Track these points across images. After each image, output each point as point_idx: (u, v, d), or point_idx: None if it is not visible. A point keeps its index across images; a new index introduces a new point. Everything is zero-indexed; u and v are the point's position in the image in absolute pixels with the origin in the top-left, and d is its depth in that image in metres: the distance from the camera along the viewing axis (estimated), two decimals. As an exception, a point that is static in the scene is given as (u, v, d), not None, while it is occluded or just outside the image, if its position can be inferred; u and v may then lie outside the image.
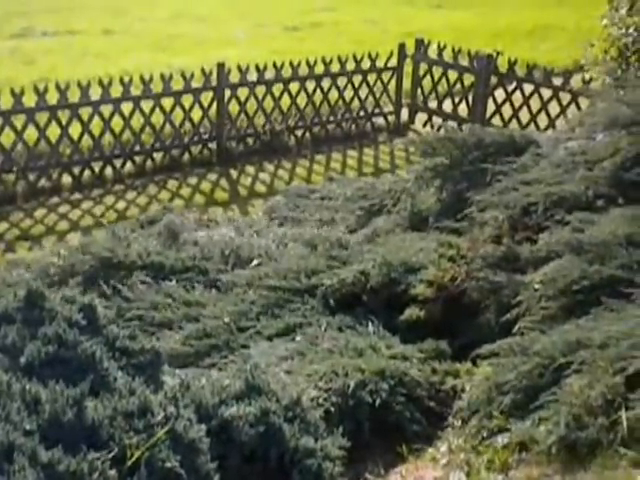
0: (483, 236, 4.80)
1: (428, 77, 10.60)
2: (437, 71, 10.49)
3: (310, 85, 9.91)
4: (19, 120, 8.09)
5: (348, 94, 10.26)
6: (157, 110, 8.90)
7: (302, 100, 9.91)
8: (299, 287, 4.86)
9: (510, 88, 9.66)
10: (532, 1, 18.81)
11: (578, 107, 8.69)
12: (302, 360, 4.12)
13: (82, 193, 8.38)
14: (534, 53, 12.82)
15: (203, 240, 5.70)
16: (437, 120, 10.33)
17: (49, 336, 2.95)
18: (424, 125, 10.60)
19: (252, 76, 9.50)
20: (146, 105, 8.84)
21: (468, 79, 10.13)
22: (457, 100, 10.29)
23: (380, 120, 10.71)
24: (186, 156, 9.24)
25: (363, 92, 10.38)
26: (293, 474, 3.08)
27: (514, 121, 9.62)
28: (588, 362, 3.29)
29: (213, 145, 9.39)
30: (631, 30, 7.55)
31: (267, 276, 5.01)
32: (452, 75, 10.35)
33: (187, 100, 9.12)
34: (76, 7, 17.53)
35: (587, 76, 8.29)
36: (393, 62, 10.53)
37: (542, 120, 9.32)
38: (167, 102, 8.98)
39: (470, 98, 10.08)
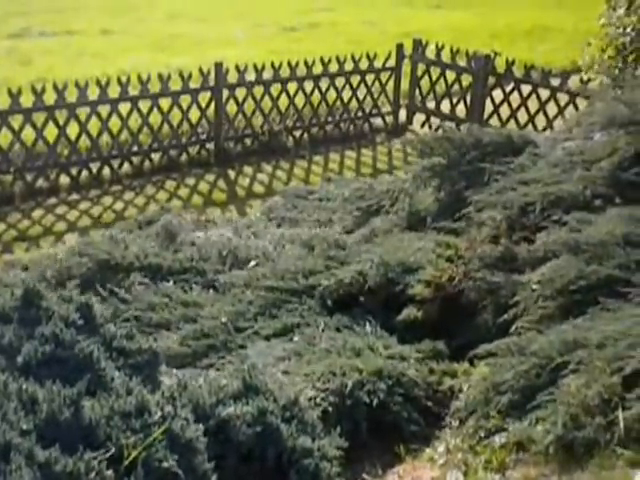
0: (481, 236, 4.80)
1: (426, 77, 10.61)
2: (435, 71, 10.50)
3: (308, 85, 9.91)
4: (16, 120, 8.08)
5: (346, 94, 10.26)
6: (155, 110, 8.90)
7: (300, 100, 9.91)
8: (297, 287, 4.86)
9: (508, 89, 9.67)
10: (530, 2, 18.84)
11: (576, 107, 8.70)
12: (300, 360, 4.12)
13: (80, 194, 8.38)
14: (532, 54, 12.84)
15: (201, 241, 5.70)
16: (435, 120, 10.33)
17: (46, 336, 2.94)
18: (422, 125, 10.61)
19: (250, 76, 9.50)
20: (144, 105, 8.84)
21: (466, 79, 10.13)
22: (455, 100, 10.29)
23: (378, 121, 10.72)
24: (184, 156, 9.23)
25: (361, 92, 10.39)
26: (290, 474, 3.08)
27: (512, 121, 9.63)
28: (585, 362, 3.29)
29: (211, 145, 9.38)
30: (629, 29, 7.56)
31: (265, 277, 5.01)
32: (450, 75, 10.36)
33: (185, 100, 9.12)
34: (74, 7, 17.53)
35: (585, 76, 8.29)
36: (391, 62, 10.53)
37: (540, 121, 9.33)
38: (165, 102, 8.97)
39: (468, 98, 10.08)
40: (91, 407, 2.71)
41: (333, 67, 10.06)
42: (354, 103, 10.40)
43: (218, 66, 9.09)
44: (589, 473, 2.89)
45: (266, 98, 9.60)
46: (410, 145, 7.64)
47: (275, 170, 9.28)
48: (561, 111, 9.07)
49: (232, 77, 9.35)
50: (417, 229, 5.61)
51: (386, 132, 10.60)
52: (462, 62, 10.19)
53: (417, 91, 10.74)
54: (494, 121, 9.71)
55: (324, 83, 10.03)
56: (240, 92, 9.43)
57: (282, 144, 9.80)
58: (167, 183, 8.76)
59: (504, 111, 9.73)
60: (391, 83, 10.62)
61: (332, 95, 10.15)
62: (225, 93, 9.25)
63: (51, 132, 8.31)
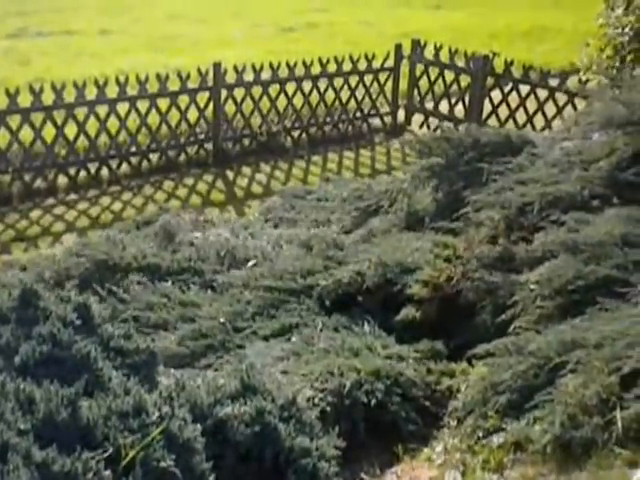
0: (479, 236, 4.80)
1: (425, 78, 10.61)
2: (434, 72, 10.50)
3: (306, 86, 9.90)
4: (14, 120, 8.07)
5: (345, 95, 10.26)
6: (153, 111, 8.89)
7: (298, 101, 9.91)
8: (295, 287, 4.86)
9: (506, 89, 9.68)
10: (529, 3, 18.85)
11: (574, 108, 8.70)
12: (298, 360, 4.12)
13: (78, 194, 8.37)
14: (530, 54, 12.85)
15: (199, 241, 5.70)
16: (434, 121, 10.34)
17: (43, 336, 2.94)
18: (421, 126, 10.61)
19: (248, 76, 9.49)
20: (142, 105, 8.83)
21: (465, 80, 10.13)
22: (454, 101, 10.29)
23: (377, 121, 10.72)
24: (182, 157, 9.23)
25: (360, 93, 10.38)
26: (288, 474, 3.08)
27: (510, 122, 9.63)
28: (583, 362, 3.30)
29: (209, 146, 9.38)
30: (627, 29, 7.57)
31: (263, 277, 5.01)
32: (449, 76, 10.36)
33: (183, 100, 9.11)
34: (72, 7, 17.52)
35: (583, 77, 8.30)
36: (390, 63, 10.53)
37: (539, 121, 9.34)
38: (163, 102, 8.97)
39: (467, 99, 10.09)
40: (89, 407, 2.71)
41: (331, 67, 10.06)
42: (352, 103, 10.40)
43: (216, 66, 9.09)
44: (587, 473, 2.89)
45: (264, 98, 9.60)
46: (408, 145, 7.65)
47: (273, 170, 9.28)
48: (559, 111, 9.07)
49: (230, 77, 9.35)
50: (415, 229, 5.61)
51: (385, 132, 10.60)
52: (461, 62, 10.19)
53: (416, 91, 10.74)
54: (492, 121, 9.71)
55: (322, 83, 10.03)
56: (238, 92, 9.42)
57: (280, 144, 9.80)
58: (165, 183, 8.76)
59: (503, 111, 9.74)
60: (389, 83, 10.62)
61: (330, 95, 10.15)
62: (223, 93, 9.24)
63: (49, 132, 8.30)
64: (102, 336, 3.15)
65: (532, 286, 4.11)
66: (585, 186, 4.79)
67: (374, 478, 3.50)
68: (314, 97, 10.03)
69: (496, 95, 9.78)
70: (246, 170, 9.22)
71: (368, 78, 10.40)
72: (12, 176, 8.12)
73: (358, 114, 10.51)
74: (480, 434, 3.41)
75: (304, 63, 9.78)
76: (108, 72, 10.23)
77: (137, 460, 2.59)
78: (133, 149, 8.90)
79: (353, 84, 10.27)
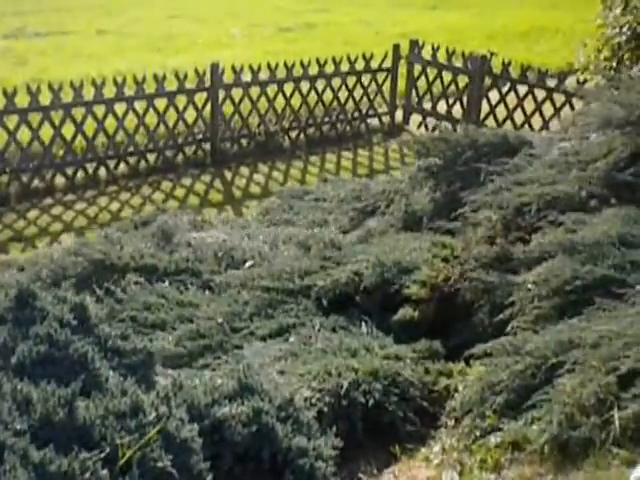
0: (476, 236, 4.81)
1: (422, 78, 10.62)
2: (431, 72, 10.51)
3: (304, 86, 9.91)
4: (12, 121, 8.06)
5: (342, 95, 10.26)
6: (151, 111, 8.89)
7: (296, 101, 9.91)
8: (292, 288, 4.86)
9: (504, 89, 9.68)
10: (527, 3, 18.87)
11: (572, 108, 8.70)
12: (295, 360, 4.12)
13: (75, 194, 8.37)
14: (528, 55, 12.87)
15: (197, 241, 5.69)
16: (432, 121, 10.34)
17: (40, 336, 2.94)
18: (419, 126, 10.61)
19: (246, 77, 9.49)
20: (140, 106, 8.83)
21: (462, 80, 10.14)
22: (451, 101, 10.30)
23: (375, 121, 10.72)
24: (180, 157, 9.23)
25: (357, 93, 10.39)
26: (286, 474, 3.07)
27: (508, 122, 9.63)
28: (581, 362, 3.30)
29: (207, 146, 9.38)
30: (624, 29, 7.58)
31: (260, 277, 5.00)
32: (446, 76, 10.37)
33: (181, 101, 9.11)
34: (70, 7, 17.52)
35: (581, 77, 8.31)
36: (387, 63, 10.54)
37: (536, 121, 9.35)
38: (161, 103, 8.97)
39: (464, 99, 10.09)
40: (86, 407, 2.71)
41: (329, 68, 10.07)
42: (350, 104, 10.40)
43: (214, 66, 9.09)
44: (584, 472, 2.89)
45: (262, 99, 9.60)
46: (406, 145, 7.65)
47: (271, 171, 9.28)
48: (557, 112, 9.08)
49: (228, 78, 9.35)
50: (413, 229, 5.62)
51: (383, 133, 10.60)
52: (458, 63, 10.20)
53: (414, 92, 10.74)
54: (490, 122, 9.72)
55: (320, 84, 10.03)
56: (236, 92, 9.42)
57: (278, 145, 9.80)
58: (163, 183, 8.75)
59: (500, 112, 9.74)
60: (387, 84, 10.63)
61: (328, 96, 10.15)
62: (221, 94, 9.24)
63: (46, 132, 8.29)
64: (99, 336, 3.14)
65: (529, 286, 4.11)
66: (582, 186, 4.79)
67: (372, 478, 3.50)
68: (312, 97, 10.03)
69: (494, 95, 9.79)
70: (244, 170, 9.22)
71: (366, 78, 10.40)
72: (10, 176, 8.12)
73: (356, 114, 10.51)
74: (477, 434, 3.40)
75: (302, 63, 9.78)
76: (105, 72, 10.25)
77: (134, 460, 2.58)
78: (131, 149, 8.90)
79: (351, 84, 10.27)
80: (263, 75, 9.59)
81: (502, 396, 3.46)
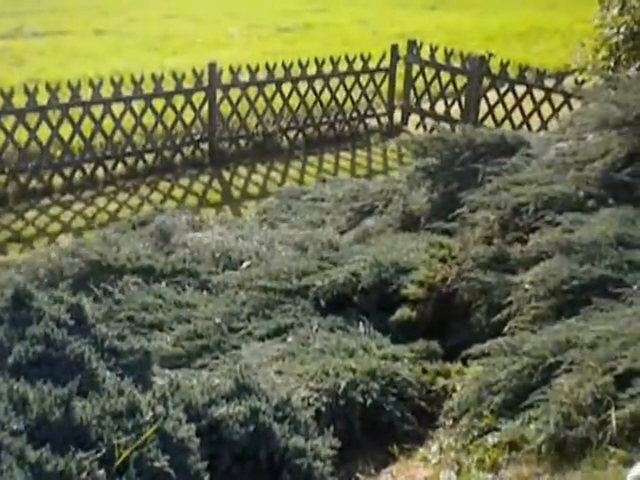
0: (474, 237, 4.81)
1: (421, 78, 10.62)
2: (430, 73, 10.51)
3: (302, 86, 9.90)
4: (9, 121, 8.06)
5: (340, 95, 10.26)
6: (148, 111, 8.88)
7: (294, 101, 9.91)
8: (290, 288, 4.86)
9: (503, 90, 9.69)
10: (526, 3, 18.88)
11: (570, 108, 8.71)
12: (293, 360, 4.12)
13: (73, 194, 8.36)
14: (527, 55, 12.87)
15: (194, 242, 5.69)
16: (430, 121, 10.33)
17: (37, 336, 2.93)
18: (417, 127, 10.61)
19: (244, 77, 9.49)
20: (137, 106, 8.83)
21: (461, 81, 10.14)
22: (450, 102, 10.30)
23: (373, 122, 10.72)
24: (178, 157, 9.22)
25: (356, 93, 10.38)
26: (283, 474, 3.08)
27: (507, 123, 9.63)
28: (578, 362, 3.30)
29: (205, 146, 9.37)
30: (622, 29, 7.59)
31: (258, 277, 5.00)
32: (445, 77, 10.36)
33: (178, 101, 9.10)
34: (67, 7, 17.50)
35: (579, 78, 8.31)
36: (385, 63, 10.54)
37: (535, 122, 9.35)
38: (158, 103, 8.96)
39: (463, 100, 10.09)
40: (82, 407, 2.70)
41: (327, 68, 10.06)
42: (349, 104, 10.40)
43: (211, 66, 9.08)
44: (582, 472, 2.89)
45: (260, 99, 9.59)
46: (404, 146, 7.64)
47: (269, 171, 9.27)
48: (556, 112, 9.08)
49: (226, 78, 9.34)
50: (410, 229, 5.62)
51: (381, 133, 10.59)
52: (457, 63, 10.19)
53: (412, 92, 10.74)
54: (489, 122, 9.72)
55: (318, 84, 10.03)
56: (234, 93, 9.42)
57: (276, 145, 9.80)
58: (161, 184, 8.74)
59: (499, 112, 9.74)
60: (386, 84, 10.62)
61: (326, 96, 10.15)
62: (219, 94, 9.24)
63: (44, 133, 8.28)
64: (96, 336, 3.14)
65: (527, 286, 4.12)
66: (580, 187, 4.79)
67: (369, 478, 3.50)
68: (310, 97, 10.02)
69: (492, 96, 9.79)
70: (242, 171, 9.21)
71: (364, 79, 10.40)
72: (7, 177, 8.11)
73: (354, 115, 10.51)
74: (475, 434, 3.41)
75: (300, 64, 9.77)
76: (103, 72, 10.24)
77: (131, 460, 2.58)
78: (128, 149, 8.89)
79: (349, 85, 10.27)
80: (261, 75, 9.58)
81: (500, 396, 3.46)
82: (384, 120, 10.75)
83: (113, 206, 8.16)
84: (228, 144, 9.54)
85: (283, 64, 9.66)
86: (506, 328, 4.01)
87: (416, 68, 10.60)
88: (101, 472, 2.50)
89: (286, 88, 9.77)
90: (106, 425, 2.67)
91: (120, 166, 8.84)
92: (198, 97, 9.19)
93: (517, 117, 9.57)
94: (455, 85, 10.24)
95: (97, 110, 8.55)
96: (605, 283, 3.86)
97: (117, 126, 8.72)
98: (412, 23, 15.92)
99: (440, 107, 10.45)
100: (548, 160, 5.31)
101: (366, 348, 4.20)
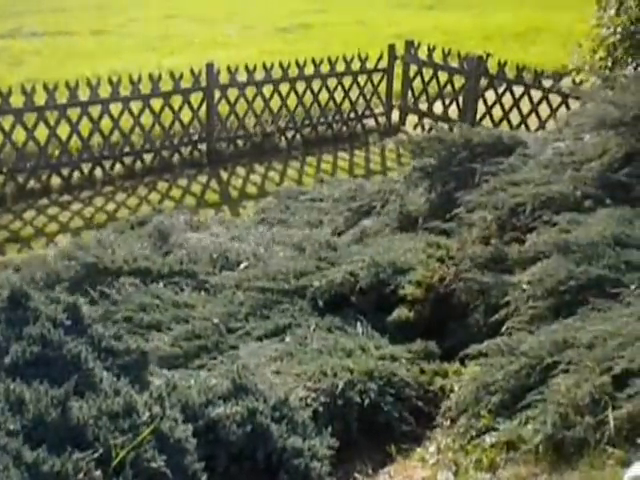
0: (471, 237, 4.81)
1: (418, 79, 10.61)
2: (427, 73, 10.51)
3: (300, 86, 9.90)
4: (7, 121, 8.05)
5: (338, 95, 10.26)
6: (146, 111, 8.88)
7: (292, 101, 9.90)
8: (288, 288, 4.85)
9: (500, 90, 9.69)
10: (524, 4, 18.87)
11: (568, 108, 8.71)
12: (291, 361, 4.11)
13: (71, 194, 8.35)
14: (524, 55, 12.86)
15: (192, 242, 5.68)
16: (428, 121, 10.34)
17: (34, 336, 2.93)
18: (415, 127, 10.61)
19: (242, 77, 9.48)
20: (135, 106, 8.82)
21: (458, 81, 10.14)
22: (447, 102, 10.30)
23: (371, 122, 10.72)
24: (176, 157, 9.21)
25: (353, 93, 10.38)
26: (281, 474, 3.07)
27: (504, 123, 9.64)
28: (575, 362, 3.30)
29: (203, 146, 9.37)
30: (619, 29, 7.60)
31: (256, 278, 5.00)
32: (442, 77, 10.36)
33: (176, 101, 9.10)
34: (66, 8, 17.50)
35: (577, 78, 8.32)
36: (383, 64, 10.53)
37: (533, 122, 9.35)
38: (156, 103, 8.95)
39: (460, 100, 10.10)
40: (79, 407, 2.70)
41: (325, 68, 10.06)
42: (347, 104, 10.40)
43: (209, 67, 9.08)
44: (579, 472, 2.89)
45: (258, 99, 9.59)
46: (402, 146, 7.65)
47: (268, 171, 9.27)
48: (553, 112, 9.09)
49: (224, 78, 9.34)
50: (408, 230, 5.62)
51: (379, 133, 10.59)
52: (454, 63, 10.20)
53: (409, 92, 10.74)
54: (487, 122, 9.72)
55: (316, 84, 10.03)
56: (232, 93, 9.41)
57: (275, 145, 9.80)
58: (159, 184, 8.74)
59: (497, 112, 9.75)
60: (383, 84, 10.62)
61: (324, 96, 10.15)
62: (217, 94, 9.23)
63: (42, 133, 8.28)
64: (92, 336, 3.14)
65: (524, 286, 4.12)
66: (577, 187, 4.79)
67: (367, 478, 3.50)
68: (308, 98, 10.02)
69: (490, 96, 9.79)
70: (240, 171, 9.21)
71: (362, 79, 10.40)
72: (5, 177, 8.11)
73: (352, 115, 10.51)
74: (473, 434, 3.41)
75: (298, 63, 9.77)
76: (101, 72, 10.22)
77: (127, 460, 2.58)
78: (126, 149, 8.89)
79: (347, 85, 10.27)
80: (259, 75, 9.58)
81: (497, 396, 3.46)
82: (382, 120, 10.75)
83: (111, 206, 8.16)
84: (226, 144, 9.54)
85: (281, 64, 9.66)
86: (504, 328, 4.01)
87: (414, 68, 10.60)
88: (98, 472, 2.50)
89: (284, 88, 9.77)
90: (103, 425, 2.67)
91: (118, 166, 8.83)
92: (196, 97, 9.19)
93: (515, 117, 9.57)
94: (453, 85, 10.25)
95: (95, 110, 8.55)
96: (602, 283, 3.86)
97: (115, 126, 8.71)
98: (410, 23, 15.91)
99: (438, 107, 10.44)
100: (545, 160, 5.31)
101: (364, 348, 4.20)
